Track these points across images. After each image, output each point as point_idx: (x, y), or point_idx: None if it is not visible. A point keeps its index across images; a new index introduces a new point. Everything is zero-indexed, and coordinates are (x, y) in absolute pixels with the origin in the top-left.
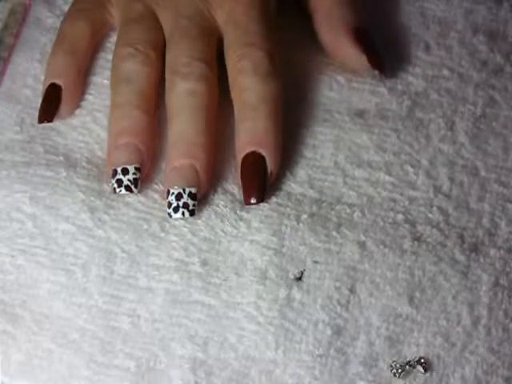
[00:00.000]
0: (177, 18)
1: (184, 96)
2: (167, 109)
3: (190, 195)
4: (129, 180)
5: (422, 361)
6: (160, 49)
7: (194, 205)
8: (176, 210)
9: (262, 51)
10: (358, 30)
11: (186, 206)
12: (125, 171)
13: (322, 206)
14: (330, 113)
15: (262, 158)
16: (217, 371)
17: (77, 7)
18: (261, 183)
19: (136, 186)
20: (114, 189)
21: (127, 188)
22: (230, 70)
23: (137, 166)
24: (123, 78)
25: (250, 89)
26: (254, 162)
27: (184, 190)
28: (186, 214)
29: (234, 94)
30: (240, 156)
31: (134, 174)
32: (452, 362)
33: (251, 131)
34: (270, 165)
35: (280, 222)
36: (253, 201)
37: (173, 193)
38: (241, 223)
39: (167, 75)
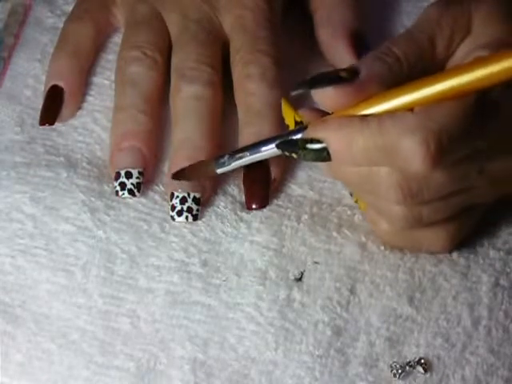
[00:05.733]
0: (184, 22)
1: (189, 100)
2: (172, 112)
3: (195, 200)
4: (132, 184)
5: (422, 361)
6: (165, 52)
7: (197, 210)
8: (180, 213)
9: (270, 57)
10: (355, 34)
11: (189, 210)
12: (128, 175)
13: (323, 207)
14: None
15: (266, 164)
16: (217, 372)
17: (80, 8)
18: (264, 190)
19: (139, 191)
20: (117, 192)
21: (130, 192)
22: (236, 74)
23: (140, 170)
24: (129, 81)
25: (256, 94)
26: (257, 168)
27: (189, 195)
28: (190, 218)
29: (239, 99)
30: None
31: (137, 178)
32: (452, 362)
33: (256, 137)
34: (274, 171)
35: (280, 222)
36: (254, 207)
37: (177, 196)
38: (241, 224)
39: (173, 78)
